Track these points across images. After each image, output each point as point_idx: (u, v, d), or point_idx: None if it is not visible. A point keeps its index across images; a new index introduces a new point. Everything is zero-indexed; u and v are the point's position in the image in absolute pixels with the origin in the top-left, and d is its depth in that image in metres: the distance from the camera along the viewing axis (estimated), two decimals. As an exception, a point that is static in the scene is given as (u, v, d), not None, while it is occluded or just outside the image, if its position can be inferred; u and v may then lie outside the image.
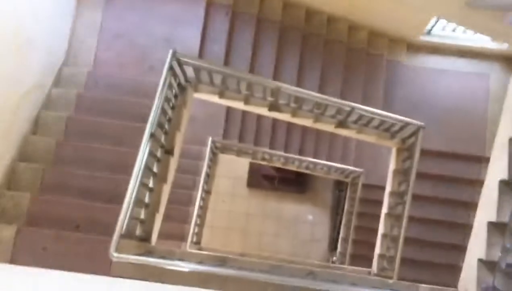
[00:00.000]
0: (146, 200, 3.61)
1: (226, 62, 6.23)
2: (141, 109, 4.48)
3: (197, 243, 6.42)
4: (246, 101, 4.54)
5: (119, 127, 4.62)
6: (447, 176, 5.91)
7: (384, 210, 5.43)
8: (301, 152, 7.13)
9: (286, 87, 4.26)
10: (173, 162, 4.13)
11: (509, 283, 3.39)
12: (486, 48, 6.62)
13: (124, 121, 4.68)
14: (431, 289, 3.79)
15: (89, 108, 4.78)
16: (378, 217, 5.64)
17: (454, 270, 4.10)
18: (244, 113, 6.87)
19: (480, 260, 3.60)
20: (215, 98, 4.49)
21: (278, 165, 7.52)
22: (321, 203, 9.60)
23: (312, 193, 9.57)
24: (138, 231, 3.52)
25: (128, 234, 3.18)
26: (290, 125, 6.92)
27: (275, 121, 6.92)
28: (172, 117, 3.97)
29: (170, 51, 3.58)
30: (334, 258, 8.31)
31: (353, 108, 4.40)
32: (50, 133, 4.51)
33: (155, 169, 3.70)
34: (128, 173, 3.21)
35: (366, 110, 4.47)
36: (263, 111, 4.73)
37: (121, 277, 3.05)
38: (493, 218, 3.50)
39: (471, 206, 4.22)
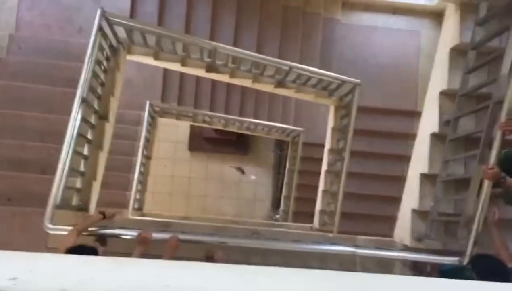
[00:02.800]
0: (82, 168, 3.48)
1: (160, 23, 6.00)
2: (71, 74, 4.25)
3: (139, 209, 6.33)
4: (183, 62, 4.42)
5: (48, 93, 4.37)
6: (382, 132, 6.10)
7: (324, 167, 5.57)
8: (241, 113, 7.11)
9: (223, 47, 4.18)
10: (109, 128, 3.99)
11: (440, 231, 3.61)
12: (417, 5, 6.76)
13: (53, 87, 4.43)
14: (369, 240, 3.97)
15: (14, 74, 4.47)
16: (319, 174, 5.78)
17: (391, 221, 4.29)
18: (182, 75, 6.72)
19: (413, 210, 3.79)
20: (150, 60, 4.34)
21: (219, 126, 7.48)
22: (263, 163, 9.70)
23: (254, 154, 9.64)
24: (74, 201, 3.40)
25: (63, 204, 3.06)
26: (229, 86, 6.86)
27: (214, 82, 6.83)
28: (105, 81, 3.79)
29: (98, 11, 3.39)
30: (278, 216, 8.49)
31: (291, 68, 4.40)
32: (-28, 103, 4.21)
33: (89, 136, 3.56)
34: (61, 141, 3.06)
35: (304, 69, 4.48)
36: (201, 72, 4.64)
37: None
38: (425, 170, 3.67)
39: (406, 159, 4.40)
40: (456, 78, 3.46)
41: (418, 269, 3.79)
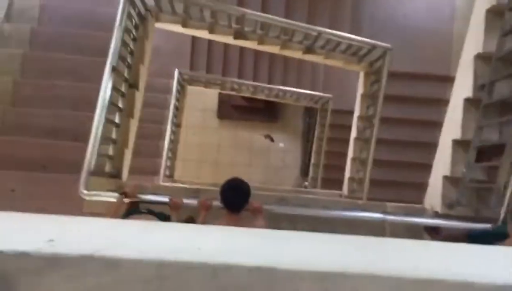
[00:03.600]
0: (113, 136, 3.55)
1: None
2: (100, 43, 4.28)
3: (170, 176, 6.45)
4: (211, 30, 4.40)
5: (79, 62, 4.42)
6: (414, 97, 5.97)
7: (353, 134, 5.51)
8: (270, 80, 7.07)
9: (251, 13, 4.13)
10: (139, 96, 4.03)
11: (472, 197, 3.55)
12: (453, -35, 6.48)
13: (84, 56, 4.47)
14: (398, 207, 3.94)
15: (45, 44, 4.53)
16: (348, 141, 5.73)
17: (421, 188, 4.24)
18: (211, 43, 6.70)
19: (445, 177, 3.73)
20: (178, 28, 4.33)
21: (247, 94, 7.46)
22: (292, 131, 9.69)
23: (282, 121, 9.62)
24: (107, 168, 3.49)
25: (97, 171, 3.14)
26: (257, 53, 6.80)
27: (242, 50, 6.78)
28: (134, 50, 3.82)
29: (126, -21, 3.38)
30: (306, 183, 8.51)
31: (320, 33, 4.32)
32: (5, 72, 4.29)
33: (120, 104, 3.61)
34: (93, 109, 3.11)
35: (333, 34, 4.40)
36: (229, 39, 4.61)
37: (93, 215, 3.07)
38: (457, 136, 3.59)
39: (437, 126, 4.30)
40: (492, 41, 3.33)
41: (450, 237, 3.76)
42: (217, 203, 2.91)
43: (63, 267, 0.85)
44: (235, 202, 2.57)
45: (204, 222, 2.82)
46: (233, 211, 2.58)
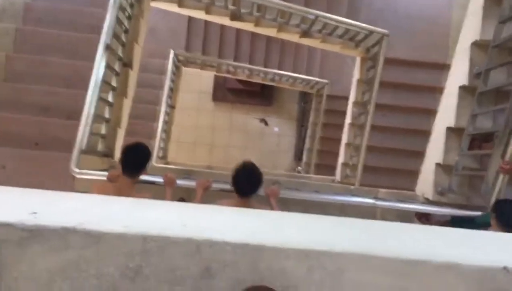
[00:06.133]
0: (106, 115, 3.52)
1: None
2: (95, 20, 4.22)
3: (163, 157, 6.43)
4: (207, 10, 4.35)
5: (73, 39, 4.35)
6: (409, 84, 5.94)
7: (348, 120, 5.51)
8: (266, 64, 7.04)
9: (248, -6, 4.09)
10: (133, 76, 4.00)
11: (464, 185, 3.57)
12: (453, -49, 6.41)
13: (78, 32, 4.41)
14: (390, 193, 3.96)
15: (39, 19, 4.46)
16: (342, 127, 5.73)
17: (413, 175, 4.25)
18: (207, 24, 6.63)
19: (437, 164, 3.74)
20: (174, 7, 4.29)
21: (243, 77, 7.43)
22: (287, 115, 9.67)
23: (277, 105, 9.60)
24: (100, 147, 3.47)
25: (89, 150, 3.13)
26: (254, 36, 6.75)
27: (239, 32, 6.72)
28: (129, 28, 3.77)
29: (121, -45, 3.32)
30: (300, 168, 8.54)
31: (317, 17, 4.29)
32: (-3, 47, 4.23)
33: (113, 83, 3.57)
34: (86, 87, 3.08)
35: (330, 18, 4.36)
36: (226, 21, 4.57)
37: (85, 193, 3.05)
38: (451, 123, 3.59)
39: (432, 113, 4.31)
40: (489, 28, 3.31)
41: (439, 224, 3.78)
42: (216, 185, 2.92)
43: (45, 239, 0.84)
44: (248, 188, 2.56)
45: (200, 202, 2.82)
46: (243, 195, 2.58)
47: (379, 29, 4.46)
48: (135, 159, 2.56)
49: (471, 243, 1.14)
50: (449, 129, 3.67)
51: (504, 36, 3.19)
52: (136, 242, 0.85)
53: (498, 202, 2.76)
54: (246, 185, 2.56)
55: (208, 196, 2.91)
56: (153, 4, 4.19)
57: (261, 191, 2.80)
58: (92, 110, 3.06)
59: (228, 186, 2.77)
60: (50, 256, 0.84)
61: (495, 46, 3.24)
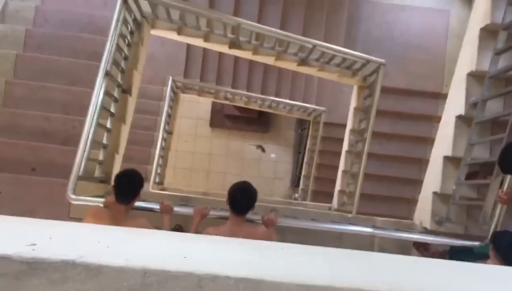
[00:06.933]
0: (104, 141, 3.52)
1: (184, -3, 5.95)
2: (95, 47, 4.26)
3: (160, 183, 6.40)
4: (206, 38, 4.40)
5: (73, 65, 4.40)
6: (406, 113, 5.99)
7: (345, 147, 5.52)
8: (263, 91, 7.08)
9: (246, 24, 4.13)
10: (132, 102, 4.01)
11: (462, 215, 3.56)
12: (447, -17, 6.54)
13: (78, 59, 4.45)
14: (387, 221, 3.94)
15: (40, 46, 4.50)
16: (339, 154, 5.74)
17: (410, 203, 4.25)
18: (205, 51, 6.69)
19: (435, 193, 3.74)
20: (173, 35, 4.33)
21: (240, 104, 7.47)
22: (284, 142, 9.69)
23: (274, 132, 9.63)
24: (97, 173, 3.45)
25: (86, 176, 3.11)
26: (252, 64, 6.81)
27: (237, 59, 6.78)
28: (129, 55, 3.81)
29: (123, -16, 3.38)
30: (296, 195, 8.50)
31: (314, 46, 4.34)
32: (-2, 73, 4.25)
33: (112, 109, 3.59)
34: (85, 113, 3.09)
35: (327, 48, 4.41)
36: (224, 48, 4.62)
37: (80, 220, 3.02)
38: (449, 152, 3.60)
39: (429, 142, 4.32)
40: (485, 59, 3.36)
41: (438, 254, 3.76)
42: (214, 212, 2.91)
43: (44, 272, 0.83)
44: (242, 203, 2.62)
45: (197, 229, 2.80)
46: (238, 213, 2.63)
47: (376, 59, 4.51)
48: (128, 186, 2.56)
49: (471, 277, 1.13)
50: (446, 158, 3.68)
51: (500, 67, 3.23)
52: (136, 276, 0.84)
53: (496, 234, 2.75)
54: (241, 200, 2.62)
55: (204, 223, 2.89)
56: (153, 32, 4.23)
57: (257, 216, 2.81)
58: (91, 136, 3.06)
59: (225, 213, 2.76)
60: (48, 289, 0.82)
61: (491, 77, 3.28)
